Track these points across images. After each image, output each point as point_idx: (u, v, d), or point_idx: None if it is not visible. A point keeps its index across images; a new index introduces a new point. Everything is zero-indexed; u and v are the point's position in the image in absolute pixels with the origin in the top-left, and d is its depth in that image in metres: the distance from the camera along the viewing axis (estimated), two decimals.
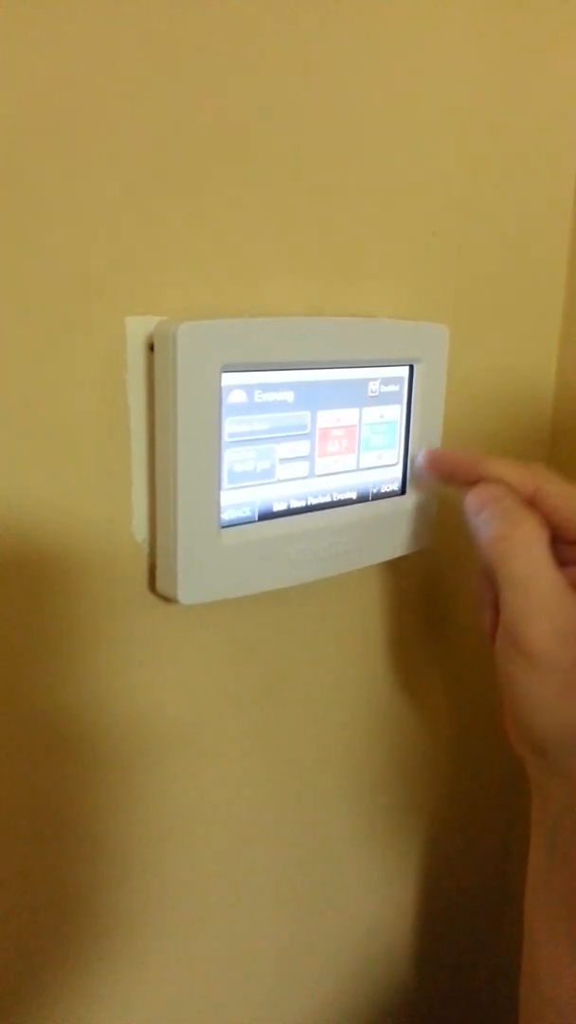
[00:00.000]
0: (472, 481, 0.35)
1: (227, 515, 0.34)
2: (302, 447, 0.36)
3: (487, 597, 0.35)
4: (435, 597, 0.49)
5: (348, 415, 0.37)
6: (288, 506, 0.36)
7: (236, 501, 0.34)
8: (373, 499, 0.39)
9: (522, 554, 0.31)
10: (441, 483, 0.38)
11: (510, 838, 0.60)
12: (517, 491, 0.34)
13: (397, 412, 0.39)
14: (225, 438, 0.33)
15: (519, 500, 0.33)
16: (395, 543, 0.41)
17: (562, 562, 0.33)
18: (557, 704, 0.31)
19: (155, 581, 0.35)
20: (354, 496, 0.39)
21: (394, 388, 0.39)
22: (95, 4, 0.29)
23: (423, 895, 0.56)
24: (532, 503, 0.33)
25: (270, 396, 0.34)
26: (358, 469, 0.38)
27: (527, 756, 0.34)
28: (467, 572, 0.50)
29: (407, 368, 0.39)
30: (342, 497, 0.38)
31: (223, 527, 0.34)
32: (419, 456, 0.38)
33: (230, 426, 0.33)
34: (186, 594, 0.33)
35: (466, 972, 0.61)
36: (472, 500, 0.34)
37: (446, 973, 0.60)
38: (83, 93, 0.29)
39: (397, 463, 0.40)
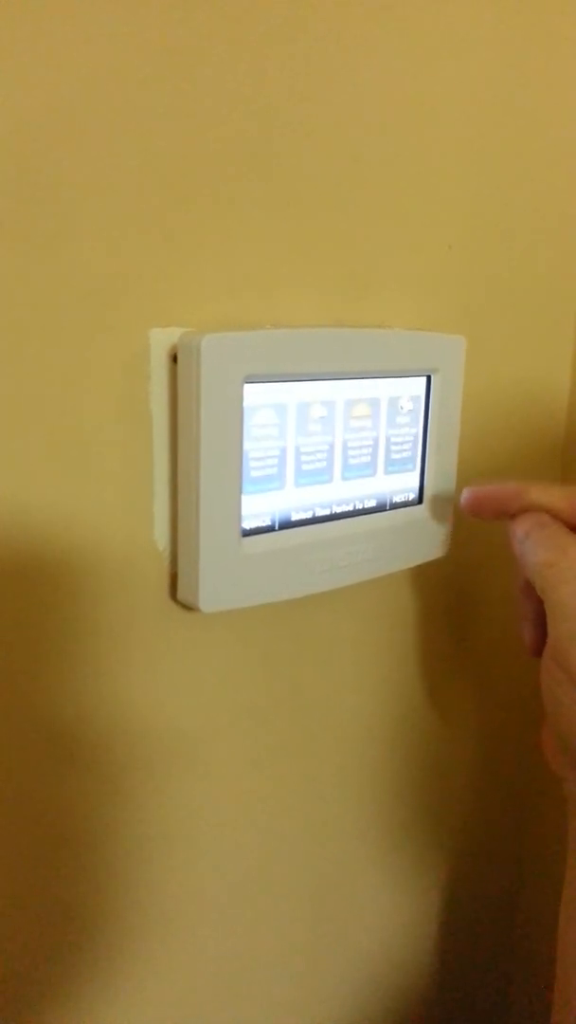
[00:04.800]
0: (517, 511, 0.34)
1: (248, 524, 0.34)
2: (322, 457, 0.36)
3: (527, 612, 0.35)
4: (452, 605, 0.49)
5: (368, 425, 0.38)
6: (308, 515, 0.37)
7: (257, 510, 0.35)
8: (391, 509, 0.40)
9: (572, 580, 0.31)
10: (487, 521, 0.37)
11: (526, 852, 0.60)
12: (563, 517, 0.33)
13: (416, 422, 0.40)
14: (246, 448, 0.33)
15: (563, 527, 0.33)
16: (412, 552, 0.41)
17: None
18: None
19: (176, 589, 0.35)
20: (373, 505, 0.39)
21: (413, 398, 0.39)
22: (115, 23, 0.30)
23: (438, 910, 0.55)
24: None
25: (291, 407, 0.35)
26: (377, 479, 0.39)
27: (567, 775, 0.34)
28: (484, 580, 0.50)
29: (425, 379, 0.39)
30: (361, 507, 0.38)
31: (244, 535, 0.34)
32: (462, 497, 0.37)
33: (251, 436, 0.33)
34: (207, 602, 0.34)
35: (480, 987, 0.61)
36: (518, 526, 0.34)
37: (459, 988, 0.59)
38: (108, 110, 0.30)
39: (415, 472, 0.40)
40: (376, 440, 0.38)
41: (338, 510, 0.38)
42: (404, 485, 0.40)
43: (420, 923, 0.55)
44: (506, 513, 0.35)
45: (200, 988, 0.42)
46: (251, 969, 0.45)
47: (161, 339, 0.33)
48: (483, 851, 0.57)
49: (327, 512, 0.37)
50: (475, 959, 0.60)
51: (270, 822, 0.43)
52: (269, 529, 0.35)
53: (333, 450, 0.37)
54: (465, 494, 0.36)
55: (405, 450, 0.40)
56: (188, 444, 0.32)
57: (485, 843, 0.57)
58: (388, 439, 0.39)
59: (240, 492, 0.33)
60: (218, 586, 0.34)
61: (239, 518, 0.34)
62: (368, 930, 0.51)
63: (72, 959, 0.37)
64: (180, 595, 0.35)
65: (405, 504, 0.40)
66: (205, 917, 0.41)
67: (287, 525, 0.36)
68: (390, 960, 0.53)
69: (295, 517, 0.36)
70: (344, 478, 0.37)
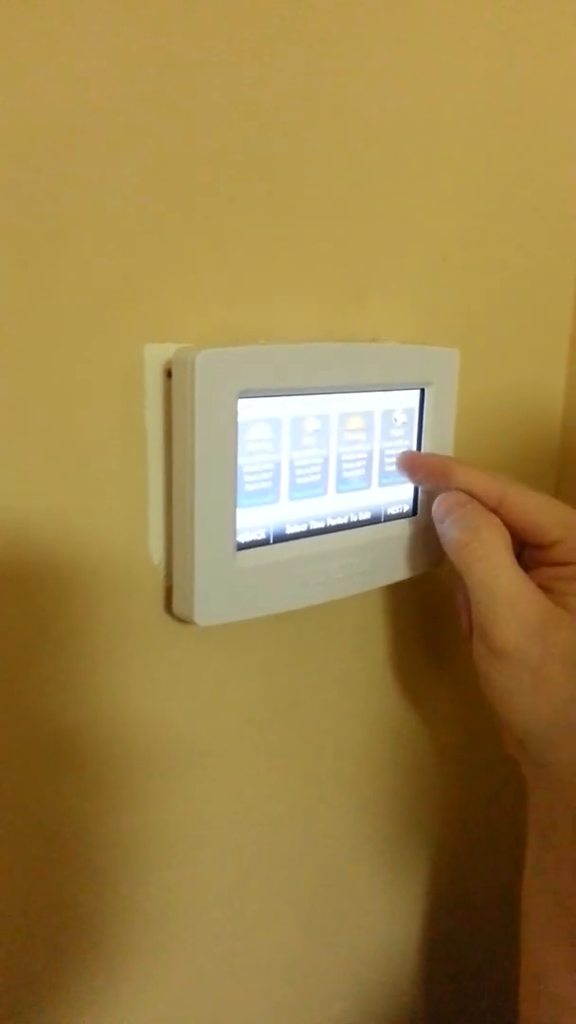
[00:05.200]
0: (444, 486, 0.36)
1: (243, 537, 0.35)
2: (316, 470, 0.36)
3: (461, 599, 0.36)
4: (446, 616, 0.49)
5: (362, 438, 0.38)
6: (303, 528, 0.37)
7: (251, 523, 0.35)
8: (385, 521, 0.40)
9: (482, 559, 0.33)
10: (418, 485, 0.40)
11: (519, 857, 0.60)
12: (482, 499, 0.35)
13: (409, 434, 0.40)
14: (241, 462, 0.34)
15: (480, 507, 0.35)
16: (407, 564, 0.41)
17: (531, 565, 0.35)
18: (530, 698, 0.32)
19: (171, 603, 0.35)
20: (367, 518, 0.39)
21: (407, 411, 0.39)
22: (110, 32, 0.30)
23: (433, 914, 0.56)
24: (497, 510, 0.35)
25: (285, 421, 0.35)
26: (371, 491, 0.39)
27: (517, 754, 0.34)
28: None
29: (419, 392, 0.40)
30: (355, 519, 0.39)
31: (239, 549, 0.34)
32: (398, 457, 0.39)
33: (246, 450, 0.34)
34: (202, 616, 0.34)
35: (480, 987, 0.61)
36: (437, 507, 0.36)
37: (459, 988, 0.60)
38: (99, 122, 0.30)
39: (409, 484, 0.41)
40: (370, 453, 0.38)
41: (332, 523, 0.38)
42: (398, 497, 0.40)
43: (420, 922, 0.55)
44: (431, 482, 0.38)
45: (200, 988, 0.43)
46: (250, 969, 0.45)
47: (156, 354, 0.33)
48: (483, 851, 0.58)
49: (321, 525, 0.37)
50: (475, 958, 0.60)
51: (269, 825, 0.43)
52: (264, 543, 0.35)
53: (327, 463, 0.37)
54: (399, 456, 0.39)
55: None
56: (183, 459, 0.32)
57: (484, 843, 0.58)
58: (382, 452, 0.39)
59: (235, 506, 0.34)
60: (213, 600, 0.34)
61: (234, 532, 0.34)
62: (368, 930, 0.51)
63: (71, 960, 0.37)
64: (175, 609, 0.35)
65: (399, 516, 0.41)
66: (204, 919, 0.42)
67: (282, 538, 0.36)
68: (390, 960, 0.54)
69: (290, 530, 0.36)
70: (338, 491, 0.38)
